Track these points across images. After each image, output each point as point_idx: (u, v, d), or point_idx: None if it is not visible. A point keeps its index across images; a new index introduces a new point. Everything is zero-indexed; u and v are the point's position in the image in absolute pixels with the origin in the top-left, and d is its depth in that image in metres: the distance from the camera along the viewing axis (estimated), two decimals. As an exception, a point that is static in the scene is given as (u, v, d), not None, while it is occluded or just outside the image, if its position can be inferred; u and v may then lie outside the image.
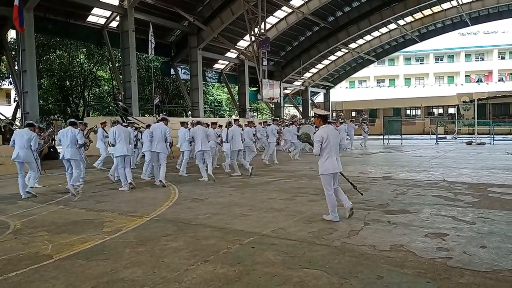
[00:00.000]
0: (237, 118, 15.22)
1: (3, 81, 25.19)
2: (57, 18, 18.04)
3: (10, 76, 21.34)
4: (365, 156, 15.58)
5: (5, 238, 4.92)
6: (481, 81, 49.54)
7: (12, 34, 20.45)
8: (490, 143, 20.52)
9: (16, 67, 17.76)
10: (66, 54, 25.62)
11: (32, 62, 15.38)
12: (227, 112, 35.19)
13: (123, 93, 19.26)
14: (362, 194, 6.23)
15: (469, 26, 31.21)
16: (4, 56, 20.11)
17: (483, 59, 51.73)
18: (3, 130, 15.60)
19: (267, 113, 34.82)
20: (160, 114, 14.80)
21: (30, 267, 3.84)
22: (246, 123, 13.58)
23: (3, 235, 5.05)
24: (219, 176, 10.19)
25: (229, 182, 9.25)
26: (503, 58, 50.49)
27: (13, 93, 29.75)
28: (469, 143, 20.42)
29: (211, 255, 4.05)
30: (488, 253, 3.90)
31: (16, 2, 13.26)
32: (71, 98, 26.79)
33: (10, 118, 19.96)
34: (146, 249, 4.30)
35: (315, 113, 5.67)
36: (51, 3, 16.91)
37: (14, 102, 27.04)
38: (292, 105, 39.98)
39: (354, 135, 19.91)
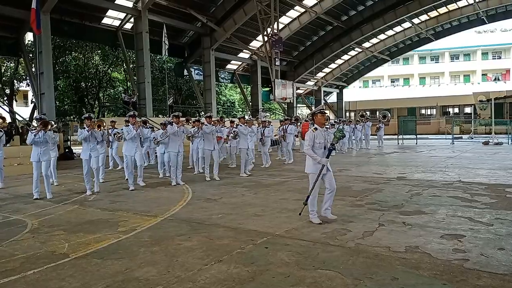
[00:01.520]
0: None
1: (21, 83, 25.70)
2: (72, 20, 18.33)
3: (28, 78, 21.77)
4: (379, 156, 15.43)
5: (23, 237, 5.02)
6: (498, 79, 48.51)
7: (29, 37, 20.87)
8: (508, 143, 20.11)
9: (33, 69, 18.13)
10: (81, 56, 26.00)
11: (48, 64, 15.67)
12: (240, 113, 35.25)
13: (137, 94, 19.47)
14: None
15: (486, 24, 30.59)
16: (22, 59, 20.54)
17: (500, 57, 50.64)
18: (21, 131, 15.93)
19: (279, 113, 34.76)
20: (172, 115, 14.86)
21: (47, 266, 3.91)
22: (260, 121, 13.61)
23: (21, 234, 5.15)
24: (232, 176, 10.22)
25: (242, 182, 9.26)
26: (521, 56, 49.40)
27: (30, 95, 30.33)
28: (486, 143, 20.04)
29: (224, 255, 4.06)
30: (506, 255, 3.82)
31: (34, 5, 13.52)
32: (86, 99, 27.19)
33: (28, 119, 20.36)
34: (160, 249, 4.34)
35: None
36: (67, 5, 17.18)
37: (31, 103, 27.57)
38: (305, 105, 39.82)
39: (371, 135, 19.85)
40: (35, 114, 20.97)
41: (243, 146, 10.43)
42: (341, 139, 5.38)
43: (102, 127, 8.73)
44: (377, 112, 31.83)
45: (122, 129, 9.43)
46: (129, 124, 8.90)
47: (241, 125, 10.57)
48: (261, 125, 13.30)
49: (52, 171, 9.10)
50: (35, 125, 7.90)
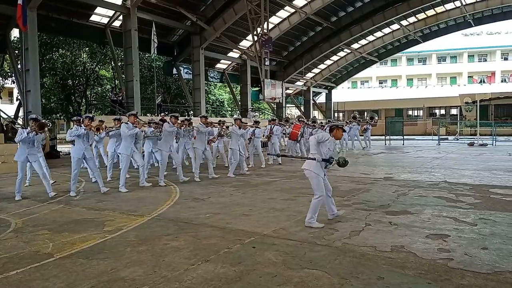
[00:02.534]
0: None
1: (6, 80, 25.25)
2: (60, 17, 18.07)
3: (13, 74, 21.39)
4: (366, 156, 15.56)
5: (6, 237, 4.93)
6: (484, 82, 49.36)
7: (15, 33, 20.49)
8: (492, 144, 20.46)
9: (19, 66, 17.81)
10: (69, 53, 25.63)
11: (35, 61, 15.41)
12: (229, 112, 35.19)
13: (124, 92, 19.30)
14: None
15: (473, 26, 31.08)
16: (7, 55, 20.19)
17: (486, 60, 51.54)
18: (5, 128, 15.65)
19: (269, 113, 34.81)
20: (161, 114, 14.74)
21: (31, 266, 3.85)
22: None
23: (4, 234, 5.06)
24: (221, 175, 10.20)
25: (230, 182, 9.25)
26: (506, 59, 50.30)
27: (15, 92, 29.85)
28: (471, 144, 20.35)
29: (211, 254, 4.05)
30: (490, 254, 3.89)
31: (20, 1, 13.29)
32: (73, 97, 26.82)
33: (13, 116, 20.03)
34: (147, 248, 4.31)
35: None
36: (54, 2, 16.95)
37: (16, 100, 27.12)
38: (294, 105, 39.95)
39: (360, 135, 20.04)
40: (20, 111, 20.64)
41: (235, 147, 10.36)
42: (343, 166, 5.34)
43: (100, 130, 8.76)
44: (365, 113, 32.06)
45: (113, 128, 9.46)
46: (128, 122, 8.60)
47: (236, 126, 10.52)
48: (253, 126, 13.33)
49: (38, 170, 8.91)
50: (31, 124, 7.62)
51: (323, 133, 5.25)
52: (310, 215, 5.07)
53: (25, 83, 15.57)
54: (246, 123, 11.93)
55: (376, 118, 21.88)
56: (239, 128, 10.32)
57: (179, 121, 9.58)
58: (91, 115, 8.37)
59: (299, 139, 13.80)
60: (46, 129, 7.86)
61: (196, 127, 9.90)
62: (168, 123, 9.19)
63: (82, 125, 7.92)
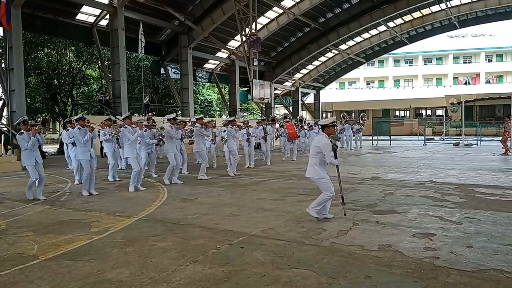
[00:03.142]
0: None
1: (-11, 79, 24.73)
2: (45, 15, 17.79)
3: (-3, 74, 20.96)
4: (354, 156, 15.68)
5: (-10, 238, 4.84)
6: (469, 83, 50.21)
7: (-1, 31, 20.11)
8: (477, 144, 20.81)
9: (3, 65, 17.47)
10: (54, 52, 25.21)
11: (19, 60, 15.13)
12: (218, 112, 35.09)
13: (110, 92, 19.10)
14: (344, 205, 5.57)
15: (458, 29, 31.58)
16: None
17: (470, 62, 52.42)
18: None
19: (257, 113, 34.83)
20: (148, 114, 14.64)
21: (15, 268, 3.78)
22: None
23: (-13, 235, 4.96)
24: (212, 176, 10.16)
25: (219, 182, 9.22)
26: (490, 60, 51.23)
27: (-1, 91, 29.24)
28: (456, 145, 20.68)
29: (200, 255, 4.03)
30: (474, 252, 3.95)
31: (3, -1, 13.05)
32: (59, 97, 26.38)
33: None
34: (134, 250, 4.27)
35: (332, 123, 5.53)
36: (40, 0, 16.68)
37: (0, 100, 26.59)
38: (283, 106, 40.04)
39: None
40: (5, 111, 20.26)
41: (233, 148, 10.59)
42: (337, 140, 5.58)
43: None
44: (353, 114, 32.32)
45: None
46: (126, 125, 8.39)
47: (231, 127, 10.76)
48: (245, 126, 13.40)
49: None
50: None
51: (324, 141, 5.26)
52: (315, 204, 5.33)
53: (9, 83, 15.27)
54: (241, 124, 12.13)
55: (365, 117, 22.26)
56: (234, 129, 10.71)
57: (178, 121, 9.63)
58: (81, 116, 8.32)
59: (299, 136, 14.02)
60: (46, 124, 7.86)
61: (198, 131, 9.72)
62: (171, 127, 9.19)
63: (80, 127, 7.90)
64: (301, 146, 17.64)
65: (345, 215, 5.46)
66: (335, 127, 5.52)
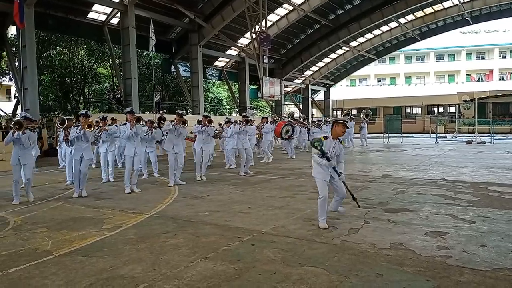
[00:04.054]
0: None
1: (4, 78, 25.16)
2: (57, 14, 18.01)
3: (11, 72, 21.32)
4: (365, 154, 15.58)
5: (5, 234, 4.93)
6: (482, 80, 49.48)
7: (12, 30, 20.43)
8: (490, 142, 20.50)
9: (17, 64, 17.76)
10: (66, 51, 25.57)
11: (32, 58, 15.36)
12: (228, 110, 35.16)
13: (121, 90, 19.27)
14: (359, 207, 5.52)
15: (471, 24, 31.17)
16: (5, 53, 20.09)
17: (484, 58, 51.63)
18: (3, 126, 15.59)
19: (267, 110, 34.81)
20: (159, 112, 14.68)
21: (30, 263, 3.85)
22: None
23: (3, 231, 5.05)
24: (221, 174, 10.20)
25: (229, 180, 9.25)
26: (504, 57, 50.39)
27: (13, 90, 29.72)
28: (469, 142, 20.40)
29: (210, 252, 4.05)
30: (488, 252, 3.90)
31: (17, -2, 13.25)
32: (71, 95, 26.76)
33: (10, 114, 19.96)
34: (146, 246, 4.31)
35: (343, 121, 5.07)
36: (52, -1, 16.91)
37: (14, 98, 27.02)
38: (293, 103, 39.95)
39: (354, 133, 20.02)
40: (18, 109, 20.56)
41: (247, 146, 10.44)
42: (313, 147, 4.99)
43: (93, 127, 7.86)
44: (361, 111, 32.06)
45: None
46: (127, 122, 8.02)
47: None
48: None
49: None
50: (79, 121, 7.20)
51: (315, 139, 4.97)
52: (319, 215, 4.93)
53: (23, 81, 15.53)
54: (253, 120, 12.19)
55: (371, 114, 21.94)
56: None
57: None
58: (84, 112, 7.76)
59: (283, 136, 13.88)
60: (32, 125, 7.52)
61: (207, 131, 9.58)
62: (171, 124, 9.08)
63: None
64: (301, 143, 17.54)
65: (359, 206, 5.30)
66: (345, 127, 4.95)
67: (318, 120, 18.97)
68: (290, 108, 41.75)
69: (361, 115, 21.20)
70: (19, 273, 3.62)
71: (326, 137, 4.99)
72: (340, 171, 4.97)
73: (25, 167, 7.11)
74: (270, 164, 12.45)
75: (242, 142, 10.38)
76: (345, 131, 5.00)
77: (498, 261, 3.64)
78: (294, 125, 14.73)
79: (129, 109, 8.17)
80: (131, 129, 7.76)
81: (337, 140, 4.98)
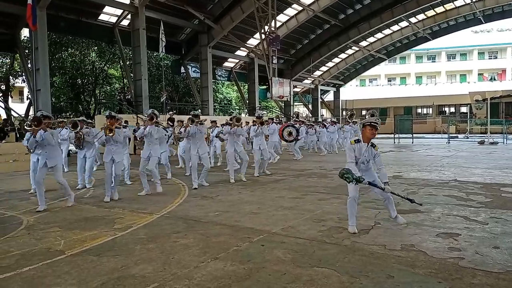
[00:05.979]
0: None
1: (17, 79, 25.54)
2: (69, 16, 18.22)
3: (23, 74, 21.64)
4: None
5: (19, 234, 5.00)
6: (494, 79, 48.76)
7: (25, 32, 20.71)
8: (503, 142, 20.21)
9: (29, 65, 18.02)
10: (78, 52, 25.85)
11: (45, 60, 15.57)
12: (237, 110, 35.19)
13: (132, 91, 19.43)
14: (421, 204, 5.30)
15: (483, 23, 30.74)
16: (18, 55, 20.41)
17: (496, 57, 50.93)
18: (19, 127, 15.85)
19: (276, 111, 34.79)
20: (169, 112, 14.72)
21: (42, 262, 3.90)
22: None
23: (16, 231, 5.13)
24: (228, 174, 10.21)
25: (239, 180, 9.25)
26: (516, 56, 49.69)
27: (26, 91, 30.15)
28: (482, 143, 20.15)
29: (221, 252, 4.06)
30: (501, 253, 3.85)
31: (30, 1, 13.42)
32: (82, 96, 27.06)
33: (23, 115, 20.26)
34: (157, 246, 4.34)
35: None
36: (63, 1, 17.09)
37: (27, 99, 27.43)
38: (302, 104, 39.85)
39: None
40: (31, 110, 20.87)
41: (264, 147, 10.11)
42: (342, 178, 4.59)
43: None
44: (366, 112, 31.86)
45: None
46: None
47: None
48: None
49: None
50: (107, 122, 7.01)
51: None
52: (349, 217, 4.71)
53: (35, 82, 15.75)
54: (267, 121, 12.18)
55: (377, 114, 21.72)
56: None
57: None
58: (108, 113, 7.45)
59: (286, 138, 13.83)
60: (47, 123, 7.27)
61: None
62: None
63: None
64: (309, 144, 17.44)
65: (411, 202, 4.98)
66: (374, 128, 4.59)
67: (323, 120, 18.85)
68: (299, 108, 41.69)
69: (366, 116, 21.01)
70: (32, 272, 3.67)
71: (357, 141, 4.70)
72: (384, 181, 4.67)
73: (117, 164, 7.15)
74: (279, 165, 12.43)
75: (233, 145, 9.44)
76: (376, 133, 4.68)
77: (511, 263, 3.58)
78: (298, 126, 14.67)
79: (107, 113, 7.51)
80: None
81: (369, 144, 4.69)
